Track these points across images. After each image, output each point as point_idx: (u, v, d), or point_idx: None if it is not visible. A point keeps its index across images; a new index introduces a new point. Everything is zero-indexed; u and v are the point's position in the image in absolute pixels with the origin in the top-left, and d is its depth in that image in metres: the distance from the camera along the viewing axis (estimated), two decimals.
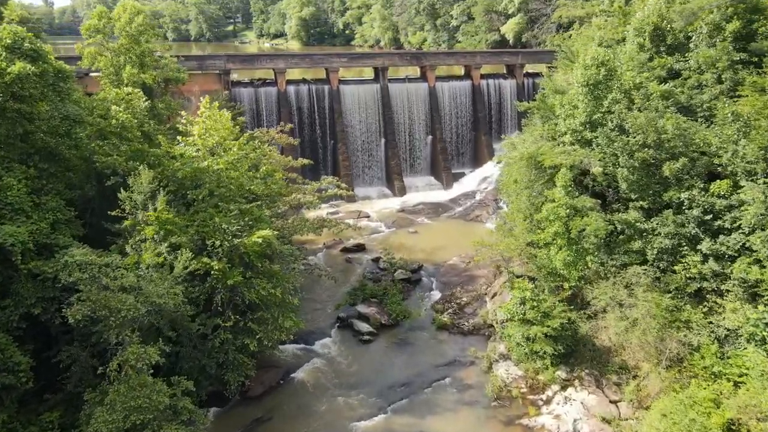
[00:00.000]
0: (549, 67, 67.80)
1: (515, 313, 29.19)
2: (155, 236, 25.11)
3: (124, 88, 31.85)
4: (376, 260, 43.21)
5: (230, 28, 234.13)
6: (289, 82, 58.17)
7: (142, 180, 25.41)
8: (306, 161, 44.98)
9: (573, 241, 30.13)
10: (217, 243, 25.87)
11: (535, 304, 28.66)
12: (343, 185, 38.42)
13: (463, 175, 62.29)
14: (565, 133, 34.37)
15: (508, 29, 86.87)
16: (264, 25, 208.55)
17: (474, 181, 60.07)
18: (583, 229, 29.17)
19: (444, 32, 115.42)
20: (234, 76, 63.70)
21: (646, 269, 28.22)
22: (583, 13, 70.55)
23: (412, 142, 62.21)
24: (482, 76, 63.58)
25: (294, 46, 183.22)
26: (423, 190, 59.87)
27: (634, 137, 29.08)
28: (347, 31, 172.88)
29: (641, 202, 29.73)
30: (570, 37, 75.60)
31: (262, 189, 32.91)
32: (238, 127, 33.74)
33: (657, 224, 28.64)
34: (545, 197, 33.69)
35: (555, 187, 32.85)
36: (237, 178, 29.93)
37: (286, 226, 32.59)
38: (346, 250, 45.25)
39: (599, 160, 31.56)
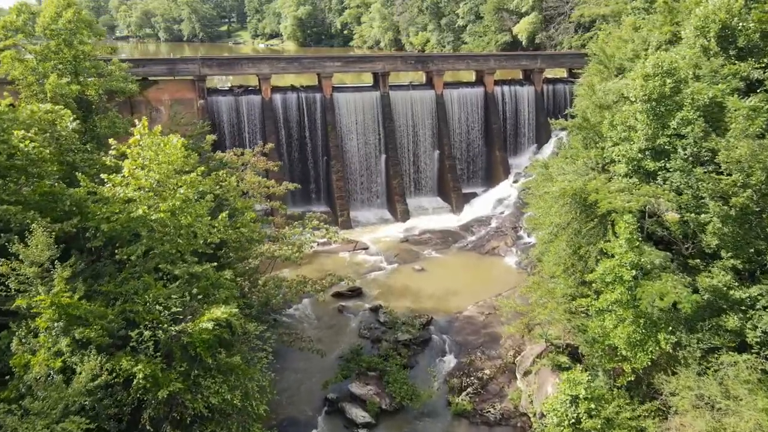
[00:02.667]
0: (572, 72, 60.22)
1: (564, 416, 21.36)
2: (54, 326, 17.31)
3: (42, 105, 23.97)
4: (375, 310, 35.40)
5: (224, 28, 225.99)
6: (275, 89, 50.39)
7: (33, 244, 17.57)
8: (291, 186, 37.36)
9: (641, 314, 22.29)
10: (147, 333, 18.04)
11: (593, 406, 20.85)
12: (333, 229, 30.50)
13: (474, 195, 54.44)
14: (618, 162, 26.72)
15: (521, 29, 78.88)
16: (259, 25, 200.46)
17: (488, 203, 52.19)
18: (658, 299, 21.41)
19: (449, 33, 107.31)
20: (229, 80, 56.10)
21: (748, 359, 20.45)
22: (608, 11, 62.80)
23: (417, 158, 54.40)
24: (496, 83, 55.80)
25: (290, 47, 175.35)
26: (429, 214, 52.03)
27: (730, 175, 21.36)
28: (345, 32, 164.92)
29: (733, 261, 21.98)
30: (593, 38, 67.97)
31: (229, 234, 25.18)
32: (196, 154, 25.88)
33: (762, 294, 20.92)
34: (595, 246, 26.02)
35: (609, 232, 25.23)
36: (188, 226, 22.14)
37: (255, 289, 24.72)
38: (338, 295, 37.40)
39: (668, 200, 23.88)
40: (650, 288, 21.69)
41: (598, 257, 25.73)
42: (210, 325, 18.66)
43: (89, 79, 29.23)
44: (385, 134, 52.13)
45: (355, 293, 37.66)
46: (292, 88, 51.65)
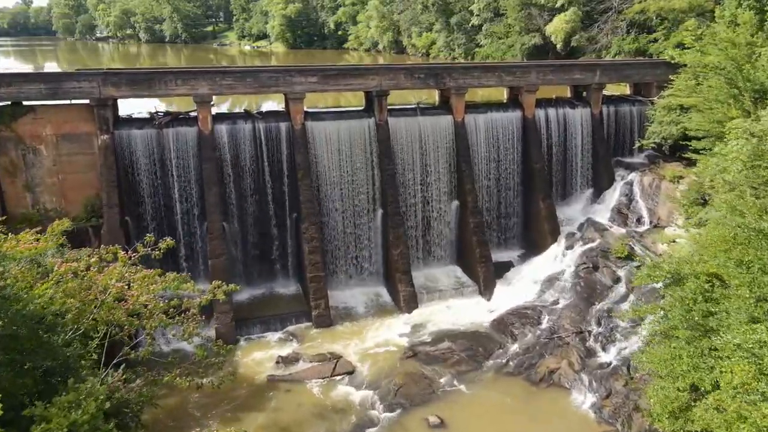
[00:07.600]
0: (637, 87, 44.15)
1: None
2: None
3: None
4: None
5: (210, 28, 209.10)
6: (218, 117, 34.32)
7: None
8: (221, 293, 22.06)
9: None
10: None
11: None
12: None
13: (509, 266, 38.20)
14: None
15: (556, 29, 62.27)
16: (246, 25, 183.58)
17: (531, 282, 35.80)
18: None
19: (460, 33, 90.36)
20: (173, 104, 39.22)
21: None
22: (684, 5, 46.60)
23: (427, 212, 38.19)
24: (537, 103, 39.62)
25: (279, 49, 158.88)
26: (446, 298, 35.74)
27: None
28: (340, 32, 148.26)
29: None
30: (659, 41, 51.80)
31: None
32: None
33: None
34: None
35: None
36: None
37: None
38: None
39: None
40: None
41: None
42: None
43: None
44: (381, 180, 35.98)
45: None
46: (246, 115, 35.46)
